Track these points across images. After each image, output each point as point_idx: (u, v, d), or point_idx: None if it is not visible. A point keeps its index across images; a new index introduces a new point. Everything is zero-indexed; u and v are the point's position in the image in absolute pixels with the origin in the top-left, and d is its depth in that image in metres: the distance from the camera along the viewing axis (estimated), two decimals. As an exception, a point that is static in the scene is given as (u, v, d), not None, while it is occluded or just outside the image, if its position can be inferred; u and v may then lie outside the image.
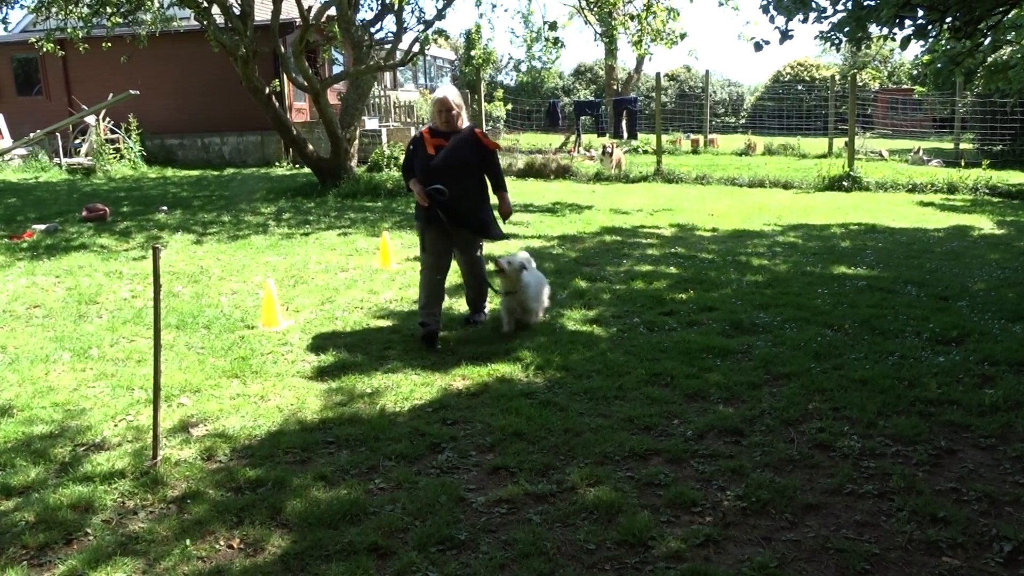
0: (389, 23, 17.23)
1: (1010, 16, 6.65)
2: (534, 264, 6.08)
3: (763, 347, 5.52)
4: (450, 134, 5.66)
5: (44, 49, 16.20)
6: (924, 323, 5.97)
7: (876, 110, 28.84)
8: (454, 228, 5.66)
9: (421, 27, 14.73)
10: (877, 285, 7.19)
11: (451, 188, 5.56)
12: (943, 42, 7.11)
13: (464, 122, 5.77)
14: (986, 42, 7.25)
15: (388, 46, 16.39)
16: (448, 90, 5.68)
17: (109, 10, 15.13)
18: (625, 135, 25.42)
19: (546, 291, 6.12)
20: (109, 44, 16.62)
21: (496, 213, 5.98)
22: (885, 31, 6.11)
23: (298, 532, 3.32)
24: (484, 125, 18.90)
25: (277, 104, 14.68)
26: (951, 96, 21.68)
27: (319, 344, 5.78)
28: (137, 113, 19.22)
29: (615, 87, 32.73)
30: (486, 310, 6.28)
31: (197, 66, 20.25)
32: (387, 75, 25.85)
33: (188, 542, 3.23)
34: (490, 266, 6.05)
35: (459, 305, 6.70)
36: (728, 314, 6.28)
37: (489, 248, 7.49)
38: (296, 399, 4.75)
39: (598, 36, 18.75)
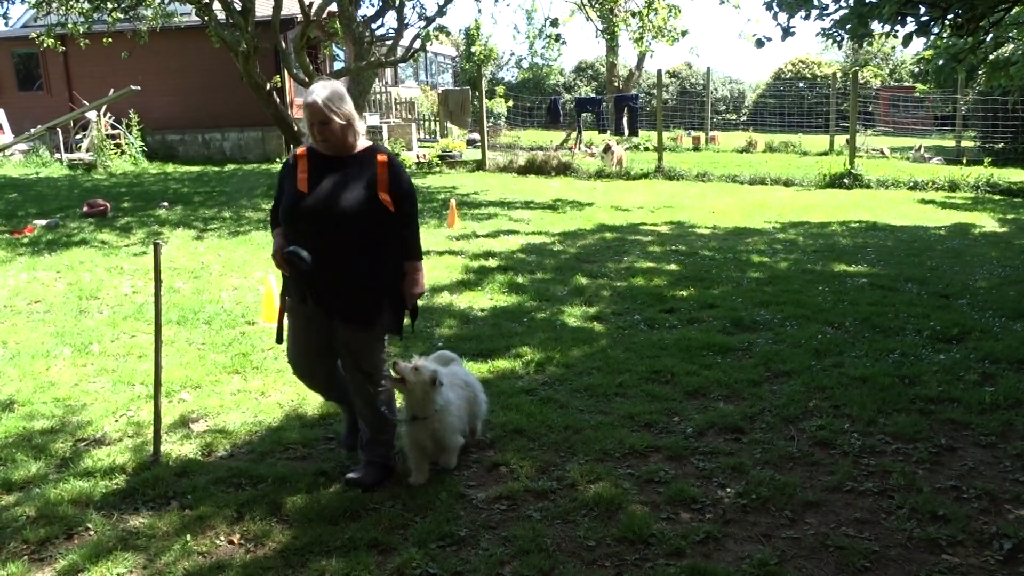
0: (390, 19, 17.19)
1: (1012, 13, 6.64)
2: (459, 368, 4.12)
3: (763, 345, 5.52)
4: (339, 160, 3.61)
5: (45, 45, 16.18)
6: (925, 321, 5.97)
7: (877, 108, 28.83)
8: (321, 310, 3.65)
9: (422, 23, 14.72)
10: (878, 283, 7.19)
11: (321, 250, 3.49)
12: (945, 39, 7.10)
13: (359, 139, 3.65)
14: (988, 39, 7.25)
15: (389, 42, 16.39)
16: (321, 90, 3.54)
17: (110, 6, 15.13)
18: (626, 132, 25.42)
19: (482, 406, 4.07)
20: (110, 40, 16.60)
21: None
22: (887, 28, 6.10)
23: (298, 528, 3.32)
24: (485, 122, 18.83)
25: (278, 100, 14.68)
26: (952, 94, 21.66)
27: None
28: (138, 109, 19.19)
29: (616, 84, 32.69)
30: (388, 454, 3.79)
31: (198, 62, 20.21)
32: (388, 71, 25.83)
33: (188, 537, 3.24)
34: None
35: (459, 301, 6.70)
36: (728, 311, 6.27)
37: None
38: (297, 395, 4.74)
39: (599, 33, 18.74)
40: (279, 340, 3.80)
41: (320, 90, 3.54)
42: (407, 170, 3.77)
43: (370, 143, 3.72)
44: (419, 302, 3.87)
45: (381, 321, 3.67)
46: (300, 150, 3.70)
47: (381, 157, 3.63)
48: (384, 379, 3.73)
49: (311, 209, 3.53)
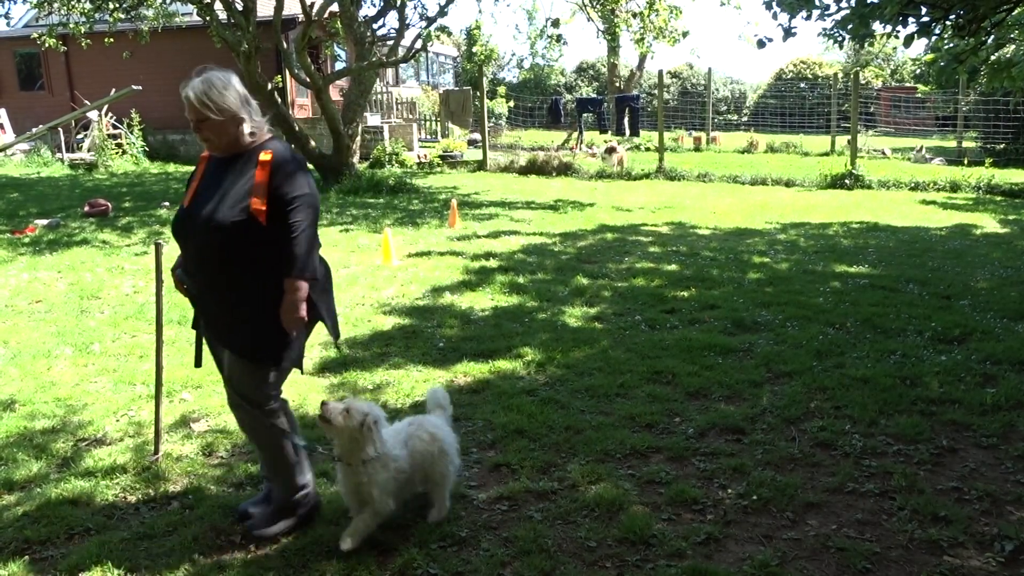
0: (391, 19, 17.25)
1: (1014, 14, 6.63)
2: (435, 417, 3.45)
3: (764, 345, 5.51)
4: (229, 162, 3.12)
5: (46, 44, 16.18)
6: (926, 322, 5.96)
7: (879, 108, 28.80)
8: (209, 340, 3.34)
9: (423, 23, 14.72)
10: (879, 284, 7.18)
11: (199, 269, 3.14)
12: (946, 40, 7.09)
13: (244, 137, 3.11)
14: (989, 40, 7.23)
15: (390, 42, 16.38)
16: (198, 83, 3.12)
17: (112, 5, 15.13)
18: (627, 132, 25.41)
19: (449, 456, 3.32)
20: (111, 40, 16.60)
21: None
22: (888, 28, 6.09)
23: (299, 528, 3.32)
24: (486, 122, 18.82)
25: (279, 100, 14.67)
26: (954, 94, 21.64)
27: (320, 340, 5.78)
28: (139, 108, 19.21)
29: (617, 84, 32.69)
30: (289, 498, 3.31)
31: (199, 62, 19.75)
32: (389, 71, 25.84)
33: (188, 538, 3.23)
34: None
35: (460, 301, 6.69)
36: (729, 312, 6.27)
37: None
38: (297, 395, 4.74)
39: (600, 33, 18.74)
40: (197, 364, 3.40)
41: (196, 83, 3.06)
42: (309, 170, 3.22)
43: (269, 136, 3.18)
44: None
45: (267, 353, 3.17)
46: (204, 153, 3.25)
47: (264, 155, 3.04)
48: (273, 412, 3.25)
49: (186, 224, 3.12)
